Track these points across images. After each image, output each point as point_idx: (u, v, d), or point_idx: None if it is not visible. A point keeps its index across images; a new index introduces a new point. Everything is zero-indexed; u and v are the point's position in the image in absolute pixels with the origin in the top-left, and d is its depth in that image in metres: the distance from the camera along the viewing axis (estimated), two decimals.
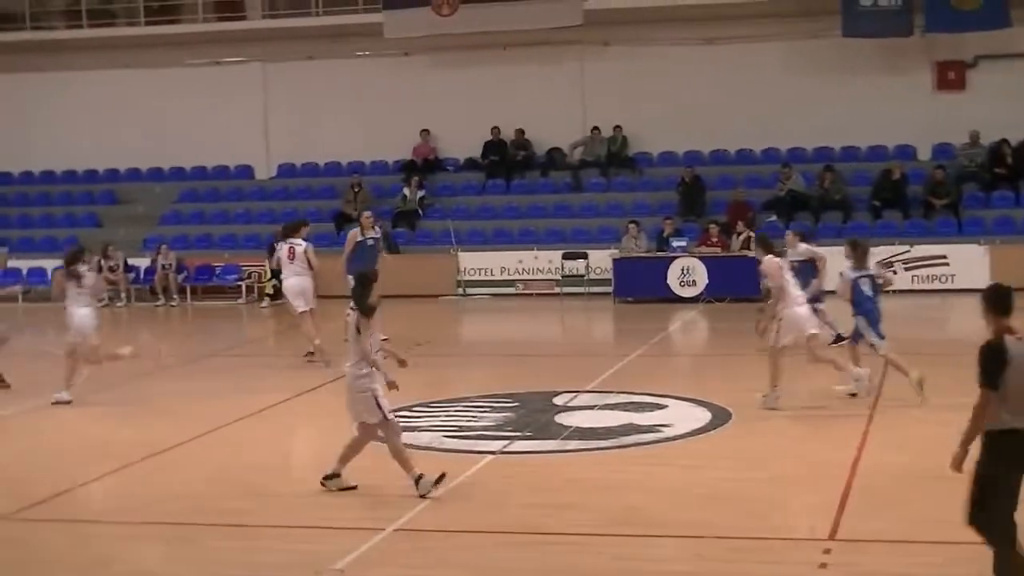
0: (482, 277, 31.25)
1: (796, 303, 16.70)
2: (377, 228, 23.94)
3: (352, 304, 13.03)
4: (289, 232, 22.15)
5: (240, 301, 31.85)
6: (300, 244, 21.80)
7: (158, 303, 31.73)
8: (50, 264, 33.00)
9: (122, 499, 13.43)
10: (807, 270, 19.46)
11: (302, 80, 35.35)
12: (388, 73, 34.83)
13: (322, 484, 12.93)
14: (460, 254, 31.37)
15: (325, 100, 35.10)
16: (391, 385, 12.84)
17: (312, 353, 20.97)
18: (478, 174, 34.53)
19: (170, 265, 31.56)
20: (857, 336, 17.18)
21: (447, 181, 34.66)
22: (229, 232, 34.27)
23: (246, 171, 36.27)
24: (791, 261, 18.41)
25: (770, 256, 17.04)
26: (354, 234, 23.41)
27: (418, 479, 12.62)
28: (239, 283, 32.19)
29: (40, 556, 11.60)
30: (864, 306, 17.02)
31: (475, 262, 31.40)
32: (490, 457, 14.42)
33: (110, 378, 19.31)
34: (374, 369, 12.79)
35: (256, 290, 31.99)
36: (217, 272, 32.39)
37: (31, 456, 15.42)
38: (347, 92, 34.85)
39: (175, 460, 15.00)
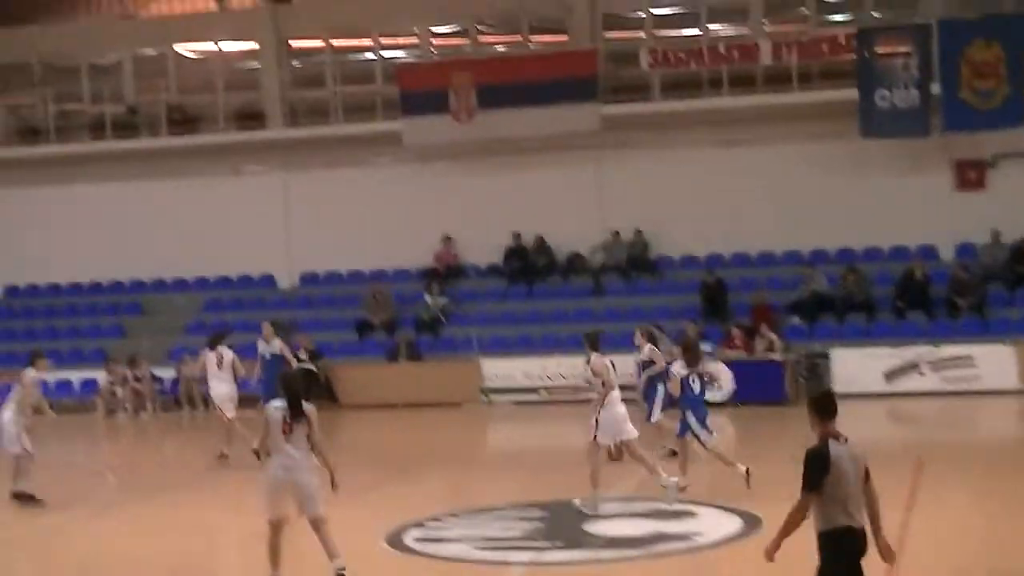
0: (505, 384, 31.18)
1: (615, 404, 17.42)
2: (275, 341, 24.64)
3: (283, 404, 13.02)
4: (216, 341, 23.09)
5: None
6: (228, 353, 22.69)
7: (183, 412, 31.75)
8: (76, 376, 33.23)
9: None
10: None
11: (323, 188, 35.58)
12: (408, 180, 35.07)
13: None
14: (483, 360, 31.34)
15: (346, 208, 35.29)
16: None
17: (225, 456, 22.08)
18: (500, 280, 34.63)
19: (194, 375, 31.59)
20: (685, 428, 18.31)
21: (469, 287, 34.74)
22: (253, 341, 34.25)
23: (268, 280, 36.44)
24: (640, 360, 19.47)
25: (596, 354, 17.75)
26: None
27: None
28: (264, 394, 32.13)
29: None
30: (692, 402, 18.26)
31: (498, 368, 31.35)
32: (521, 568, 14.32)
33: (139, 490, 19.27)
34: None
35: None
36: (240, 382, 32.33)
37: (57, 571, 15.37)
38: (368, 200, 35.05)
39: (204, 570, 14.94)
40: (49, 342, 35.32)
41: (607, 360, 17.68)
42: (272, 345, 24.65)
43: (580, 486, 19.26)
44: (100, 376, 32.78)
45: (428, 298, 33.47)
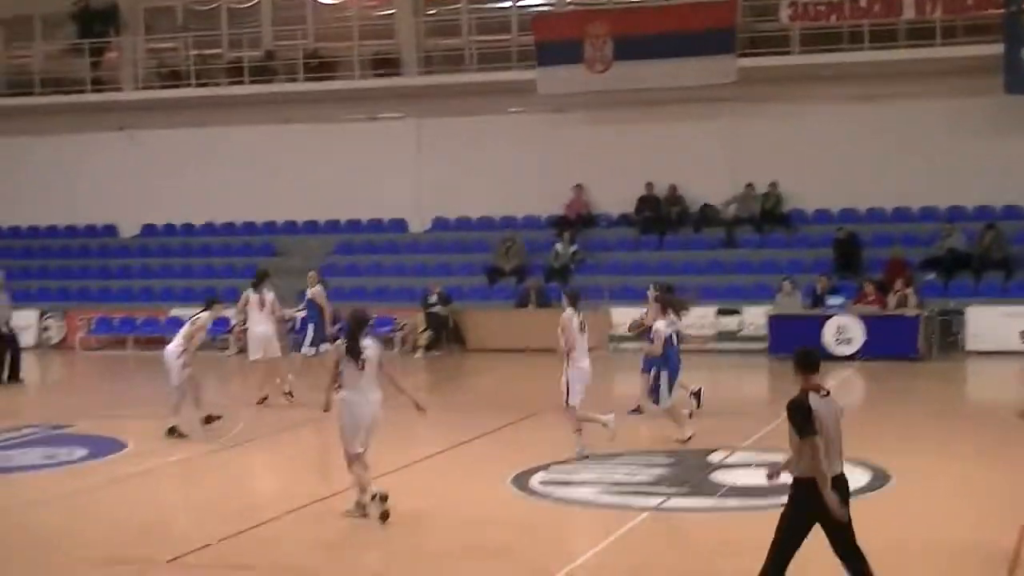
0: (633, 333, 31.07)
1: (579, 361, 17.71)
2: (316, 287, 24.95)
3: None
4: (259, 282, 23.66)
5: (394, 351, 32.10)
6: (269, 295, 23.31)
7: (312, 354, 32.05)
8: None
9: (284, 546, 13.56)
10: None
11: (456, 135, 35.66)
12: (541, 128, 35.02)
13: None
14: (612, 309, 31.28)
15: (478, 155, 35.35)
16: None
17: (266, 398, 22.94)
18: (631, 229, 34.51)
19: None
20: (655, 388, 18.86)
21: (600, 236, 34.67)
22: (383, 284, 34.64)
23: (400, 225, 36.66)
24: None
25: (571, 310, 17.71)
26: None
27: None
28: (392, 334, 32.48)
29: None
30: (671, 361, 18.89)
31: (627, 318, 31.21)
32: (647, 514, 14.33)
33: (266, 427, 19.56)
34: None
35: (410, 342, 32.25)
36: (371, 324, 32.67)
37: (197, 503, 15.64)
38: (500, 147, 35.08)
39: (333, 509, 15.13)
40: (183, 281, 35.99)
41: (578, 319, 17.73)
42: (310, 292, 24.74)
43: (706, 433, 19.25)
44: (232, 315, 33.23)
45: (558, 246, 33.46)
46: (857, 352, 28.22)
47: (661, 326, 18.93)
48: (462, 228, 36.11)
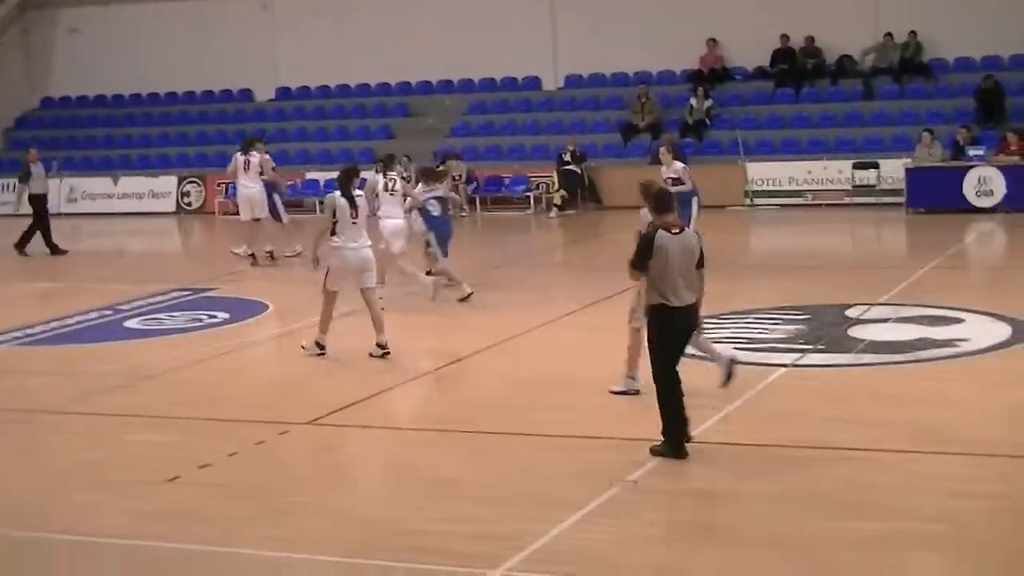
0: (770, 187, 30.86)
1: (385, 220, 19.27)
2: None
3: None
4: (248, 146, 24.56)
5: (528, 211, 32.19)
6: (255, 156, 24.15)
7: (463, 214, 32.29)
8: None
9: (418, 407, 13.77)
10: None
11: None
12: None
13: None
14: (748, 164, 31.01)
15: (612, 10, 34.94)
16: None
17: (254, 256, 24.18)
18: (766, 83, 33.99)
19: (460, 177, 31.97)
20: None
21: (735, 91, 34.21)
22: (518, 143, 34.60)
23: (534, 82, 36.48)
24: (667, 177, 19.95)
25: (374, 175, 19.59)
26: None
27: None
28: (528, 194, 32.53)
29: (339, 460, 12.02)
30: (432, 224, 19.59)
31: (763, 172, 31.02)
32: (783, 370, 14.31)
33: (397, 287, 19.76)
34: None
35: (544, 200, 32.28)
36: (506, 183, 32.77)
37: (330, 365, 15.90)
38: (634, 2, 34.61)
39: (468, 370, 15.31)
40: (319, 143, 36.29)
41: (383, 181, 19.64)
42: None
43: (844, 288, 19.09)
44: (369, 176, 33.45)
45: (693, 101, 33.10)
46: (999, 204, 27.69)
47: (417, 192, 20.11)
48: (596, 84, 35.84)
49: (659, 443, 11.32)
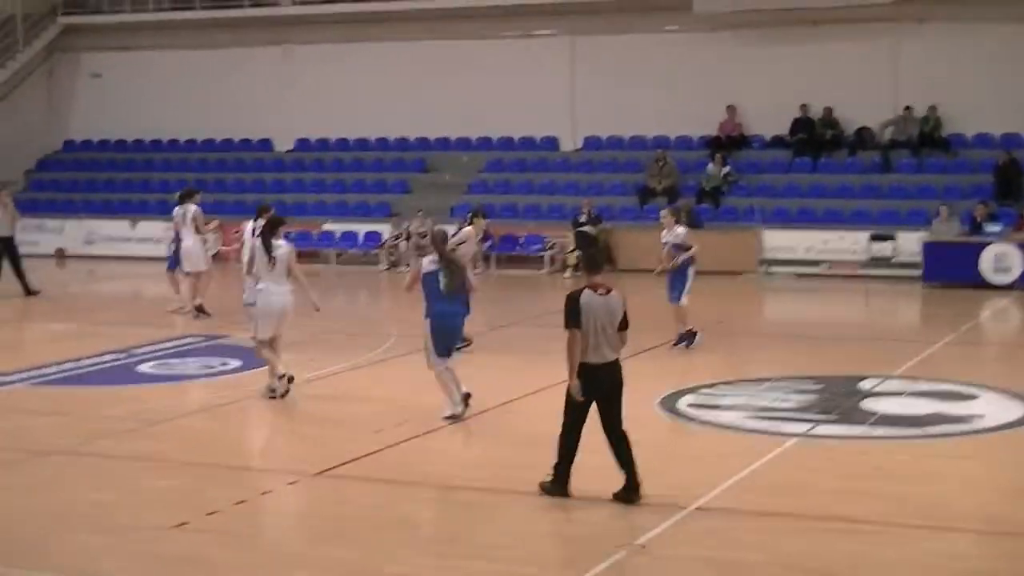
0: (786, 256, 30.85)
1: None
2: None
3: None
4: (184, 198, 24.92)
5: (543, 271, 32.21)
6: (191, 209, 24.57)
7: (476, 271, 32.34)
8: (362, 228, 34.19)
9: (424, 463, 13.74)
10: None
11: (610, 54, 35.37)
12: (696, 48, 34.59)
13: None
14: (764, 232, 31.02)
15: (632, 74, 35.06)
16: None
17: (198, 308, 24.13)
18: (785, 152, 34.05)
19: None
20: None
21: (753, 158, 34.27)
22: (534, 202, 34.67)
23: (552, 143, 36.60)
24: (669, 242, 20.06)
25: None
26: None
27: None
28: (542, 253, 32.57)
29: (344, 512, 11.97)
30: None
31: (779, 241, 31.02)
32: (794, 440, 14.25)
33: (411, 342, 19.73)
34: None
35: (559, 261, 32.31)
36: (521, 242, 32.81)
37: (342, 417, 15.89)
38: (654, 66, 34.73)
39: (480, 427, 15.27)
40: (336, 195, 36.41)
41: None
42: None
43: (860, 361, 19.04)
44: (384, 230, 33.60)
45: (710, 167, 33.18)
46: (1016, 281, 27.65)
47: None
48: (614, 147, 35.95)
49: (548, 479, 11.99)
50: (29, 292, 27.35)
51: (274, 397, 16.59)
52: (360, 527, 11.49)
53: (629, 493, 11.85)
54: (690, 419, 15.42)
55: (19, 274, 27.42)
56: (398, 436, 14.54)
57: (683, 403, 16.13)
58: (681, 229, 20.22)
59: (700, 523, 11.35)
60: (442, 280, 15.20)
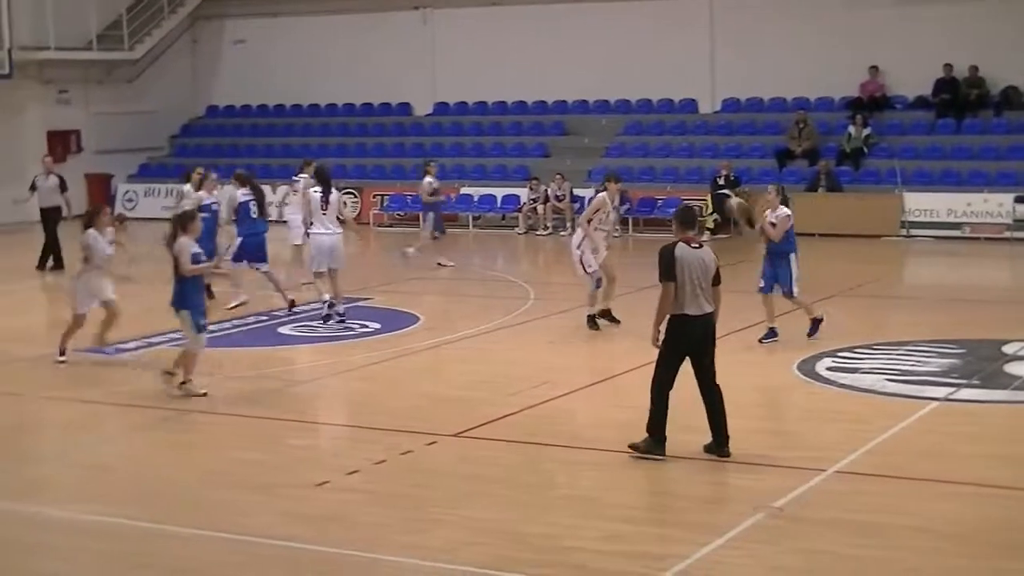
0: (927, 219, 30.38)
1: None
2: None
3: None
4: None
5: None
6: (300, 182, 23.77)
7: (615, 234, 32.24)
8: (500, 192, 34.31)
9: (564, 424, 13.82)
10: None
11: (749, 13, 35.01)
12: (838, 8, 34.10)
13: None
14: (905, 194, 30.57)
15: (772, 34, 34.68)
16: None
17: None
18: (927, 113, 33.47)
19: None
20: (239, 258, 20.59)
21: (895, 119, 33.74)
22: (672, 165, 34.52)
23: (690, 105, 36.36)
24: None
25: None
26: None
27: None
28: None
29: (483, 472, 12.11)
30: (246, 227, 20.79)
31: (921, 203, 30.54)
32: (935, 404, 14.10)
33: (548, 305, 19.85)
34: None
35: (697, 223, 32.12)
36: (658, 205, 32.69)
37: (480, 379, 16.04)
38: (796, 26, 34.32)
39: (616, 389, 15.33)
40: (475, 159, 36.59)
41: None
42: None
43: (1003, 324, 18.74)
44: (522, 193, 33.69)
45: (851, 129, 32.75)
46: None
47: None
48: (753, 109, 35.63)
49: (642, 440, 12.06)
50: (57, 266, 26.34)
51: (330, 318, 19.24)
52: (498, 487, 11.61)
53: (720, 448, 12.02)
54: (829, 382, 15.32)
55: (54, 245, 26.61)
56: (535, 398, 14.65)
57: (821, 366, 16.04)
58: (784, 211, 18.98)
59: (839, 486, 11.30)
60: None
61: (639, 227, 32.61)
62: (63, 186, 27.21)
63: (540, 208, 32.94)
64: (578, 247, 18.74)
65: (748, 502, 10.74)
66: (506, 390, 15.11)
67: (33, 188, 27.38)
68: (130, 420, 14.47)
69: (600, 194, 19.27)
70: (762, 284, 17.88)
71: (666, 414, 12.02)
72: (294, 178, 24.70)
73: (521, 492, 11.45)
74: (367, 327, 19.47)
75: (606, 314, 18.94)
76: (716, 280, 12.16)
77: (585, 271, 18.68)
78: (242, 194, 21.25)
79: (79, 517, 10.96)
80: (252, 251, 20.81)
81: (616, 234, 30.51)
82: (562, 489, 11.67)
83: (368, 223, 34.16)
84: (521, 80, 37.45)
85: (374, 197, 35.42)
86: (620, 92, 36.80)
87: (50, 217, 26.83)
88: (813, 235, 28.99)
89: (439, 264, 25.89)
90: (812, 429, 13.24)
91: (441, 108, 39.15)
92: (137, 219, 36.87)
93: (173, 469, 12.46)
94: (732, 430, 12.24)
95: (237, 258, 20.72)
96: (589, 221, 18.80)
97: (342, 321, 19.44)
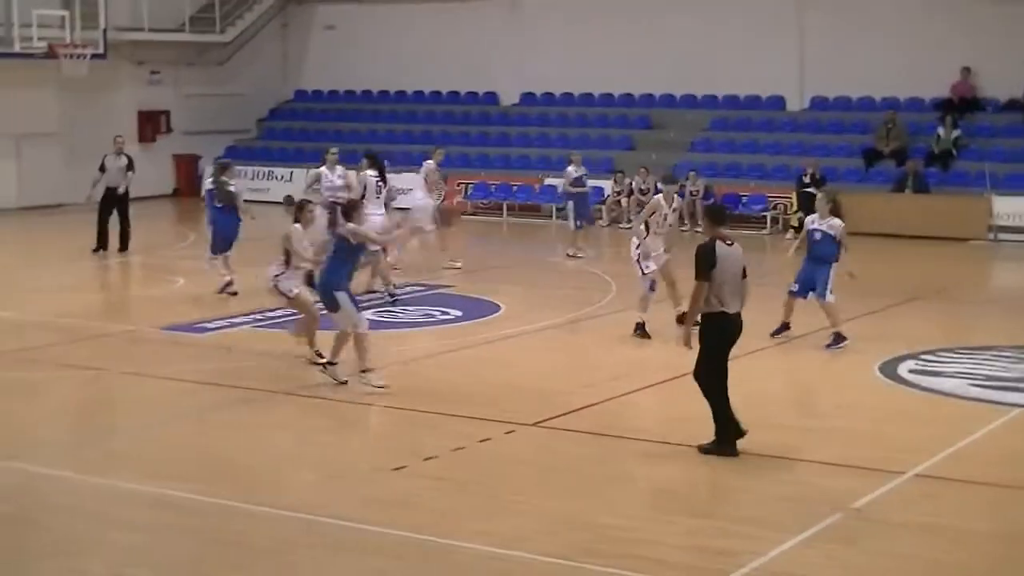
0: (1016, 223, 30.00)
1: None
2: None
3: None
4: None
5: (764, 231, 31.90)
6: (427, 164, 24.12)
7: (684, 228, 32.10)
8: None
9: (642, 417, 13.80)
10: None
11: (840, 11, 34.72)
12: (931, 7, 33.72)
13: None
14: (994, 198, 30.20)
15: (862, 32, 34.37)
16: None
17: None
18: (1018, 115, 33.03)
19: (698, 192, 31.85)
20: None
21: (985, 121, 33.33)
22: (757, 162, 34.31)
23: (778, 102, 36.14)
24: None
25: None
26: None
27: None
28: (764, 213, 32.26)
29: (559, 463, 12.12)
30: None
31: (1010, 207, 30.15)
32: (1018, 410, 13.93)
33: (629, 298, 19.78)
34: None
35: (781, 221, 31.97)
36: (743, 201, 32.52)
37: (559, 369, 16.06)
38: (886, 25, 33.99)
39: (689, 386, 15.25)
40: (560, 150, 36.50)
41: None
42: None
43: None
44: (606, 186, 33.63)
45: (940, 130, 32.40)
46: None
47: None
48: (841, 107, 35.33)
49: (710, 442, 12.06)
50: (123, 246, 26.39)
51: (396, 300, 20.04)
52: (574, 478, 11.62)
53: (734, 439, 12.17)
54: (910, 385, 15.18)
55: (123, 226, 26.52)
56: (613, 390, 14.65)
57: (903, 368, 15.90)
58: (837, 221, 17.91)
59: (918, 489, 11.21)
60: None
61: None
62: (131, 166, 26.95)
63: (624, 201, 32.85)
64: (636, 248, 18.15)
65: (826, 502, 10.68)
66: (584, 381, 15.12)
67: (103, 168, 26.97)
68: (212, 398, 14.62)
69: (656, 196, 18.98)
70: (795, 288, 17.57)
71: (730, 410, 12.08)
72: (424, 162, 24.84)
73: (596, 484, 11.46)
74: (448, 314, 19.53)
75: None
76: (744, 274, 12.33)
77: (642, 272, 17.99)
78: (370, 175, 21.33)
79: (159, 492, 11.09)
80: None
81: (700, 229, 30.44)
82: (638, 482, 11.66)
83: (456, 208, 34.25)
84: (608, 72, 37.36)
85: (458, 185, 35.48)
86: (707, 87, 36.62)
87: (115, 197, 26.63)
88: (899, 237, 28.78)
89: (568, 255, 26.04)
90: (892, 432, 13.13)
91: (528, 98, 39.16)
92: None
93: (253, 449, 12.58)
94: (813, 430, 12.16)
95: None
96: (646, 225, 18.21)
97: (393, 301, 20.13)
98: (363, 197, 20.38)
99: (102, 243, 26.21)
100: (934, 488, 11.28)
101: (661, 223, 18.25)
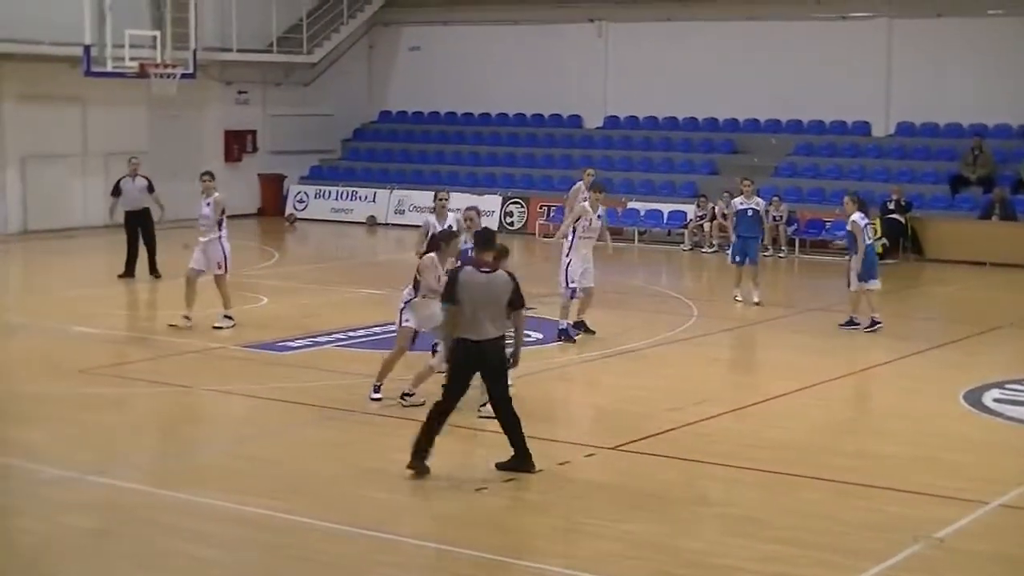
0: None
1: None
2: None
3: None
4: None
5: (848, 257, 31.59)
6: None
7: (766, 253, 31.94)
8: (666, 208, 34.20)
9: (722, 442, 13.73)
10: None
11: (929, 37, 34.46)
12: (1019, 33, 33.35)
13: None
14: None
15: (951, 59, 34.10)
16: None
17: None
18: None
19: (781, 217, 31.68)
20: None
21: None
22: (842, 188, 33.93)
23: (864, 127, 35.89)
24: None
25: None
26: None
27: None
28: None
29: (639, 486, 12.08)
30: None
31: None
32: None
33: (711, 323, 19.76)
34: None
35: None
36: (827, 227, 32.28)
37: (661, 395, 15.98)
38: (975, 51, 33.69)
39: (774, 410, 15.19)
40: (643, 174, 36.53)
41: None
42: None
43: None
44: (689, 210, 33.53)
45: None
46: None
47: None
48: (928, 134, 35.03)
49: (507, 459, 12.23)
50: (153, 272, 25.64)
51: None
52: (656, 502, 11.58)
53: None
54: (996, 414, 15.00)
55: (150, 249, 25.77)
56: (695, 415, 14.59)
57: (989, 397, 15.71)
58: (855, 216, 20.17)
59: (1002, 520, 11.07)
60: None
61: (805, 248, 32.23)
62: (151, 187, 26.14)
63: (707, 226, 32.72)
64: (566, 255, 19.31)
65: (907, 531, 10.57)
66: (666, 405, 15.07)
67: (116, 192, 26.21)
68: (293, 416, 14.72)
69: (582, 203, 19.51)
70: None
71: (434, 434, 12.16)
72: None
73: (676, 508, 11.41)
74: (529, 336, 19.51)
75: (580, 324, 19.44)
76: (517, 303, 12.25)
77: (567, 284, 19.19)
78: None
79: (238, 508, 11.18)
80: None
81: (782, 254, 30.26)
82: (718, 507, 11.59)
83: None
84: (692, 96, 37.31)
85: (540, 208, 35.53)
86: (792, 112, 36.45)
87: (138, 222, 25.80)
88: (985, 264, 28.48)
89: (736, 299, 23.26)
90: (976, 460, 12.97)
91: (611, 122, 39.15)
92: (306, 220, 37.60)
93: (332, 467, 12.64)
94: (896, 457, 12.03)
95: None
96: (574, 230, 19.25)
97: None
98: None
99: (130, 270, 25.69)
100: (1018, 519, 11.13)
101: (587, 228, 19.24)
